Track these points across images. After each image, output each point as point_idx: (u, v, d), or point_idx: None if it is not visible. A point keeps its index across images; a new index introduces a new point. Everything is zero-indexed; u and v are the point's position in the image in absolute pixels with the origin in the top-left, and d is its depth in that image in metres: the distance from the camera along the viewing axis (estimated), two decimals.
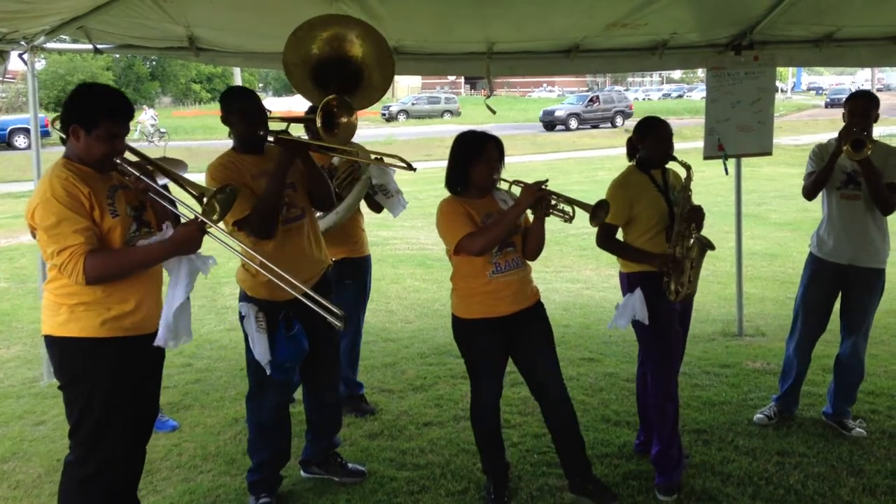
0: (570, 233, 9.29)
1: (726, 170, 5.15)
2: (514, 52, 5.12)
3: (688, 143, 17.73)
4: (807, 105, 41.42)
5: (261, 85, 48.38)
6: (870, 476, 3.45)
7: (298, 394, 3.75)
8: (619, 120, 31.88)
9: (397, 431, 4.06)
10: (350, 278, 4.02)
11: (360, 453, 3.80)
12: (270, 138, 3.08)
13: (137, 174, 2.53)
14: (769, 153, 5.34)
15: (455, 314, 3.24)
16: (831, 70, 57.39)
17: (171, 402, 4.50)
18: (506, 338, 3.18)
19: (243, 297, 3.18)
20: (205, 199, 2.49)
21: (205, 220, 2.48)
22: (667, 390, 3.38)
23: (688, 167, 3.38)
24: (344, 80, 3.15)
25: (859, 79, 48.97)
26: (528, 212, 3.08)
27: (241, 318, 3.13)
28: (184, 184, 2.67)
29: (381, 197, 4.04)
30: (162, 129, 26.14)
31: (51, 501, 3.33)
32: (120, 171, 2.56)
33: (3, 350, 5.75)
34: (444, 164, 3.18)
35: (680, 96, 50.33)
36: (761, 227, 10.47)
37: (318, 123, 2.95)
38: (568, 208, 3.05)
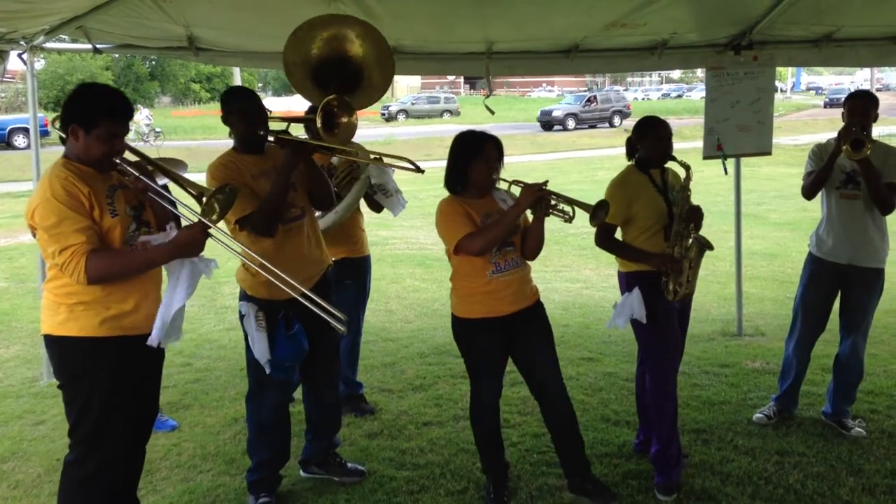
0: (569, 232, 9.29)
1: (725, 170, 5.15)
2: (513, 51, 5.11)
3: (687, 143, 17.71)
4: (806, 105, 41.40)
5: (260, 85, 48.34)
6: (869, 476, 3.45)
7: (298, 393, 3.75)
8: (616, 120, 31.90)
9: (397, 431, 4.06)
10: (350, 278, 4.02)
11: (359, 453, 3.80)
12: (271, 138, 3.09)
13: (137, 174, 2.52)
14: (768, 153, 5.34)
15: (455, 314, 3.24)
16: (830, 70, 57.32)
17: (171, 401, 4.50)
18: (505, 337, 3.18)
19: (243, 297, 3.18)
20: (204, 199, 2.48)
21: (207, 222, 2.48)
22: (666, 389, 3.38)
23: (687, 167, 3.38)
24: (344, 79, 3.15)
25: (858, 79, 48.85)
26: (528, 212, 3.08)
27: (241, 317, 3.13)
28: (183, 184, 2.67)
29: (381, 196, 4.04)
30: (157, 129, 26.10)
31: (50, 501, 3.33)
32: (119, 170, 2.56)
33: (3, 350, 5.75)
34: (444, 163, 3.18)
35: (679, 96, 50.35)
36: (761, 226, 10.47)
37: (319, 123, 2.95)
38: (568, 208, 3.05)
